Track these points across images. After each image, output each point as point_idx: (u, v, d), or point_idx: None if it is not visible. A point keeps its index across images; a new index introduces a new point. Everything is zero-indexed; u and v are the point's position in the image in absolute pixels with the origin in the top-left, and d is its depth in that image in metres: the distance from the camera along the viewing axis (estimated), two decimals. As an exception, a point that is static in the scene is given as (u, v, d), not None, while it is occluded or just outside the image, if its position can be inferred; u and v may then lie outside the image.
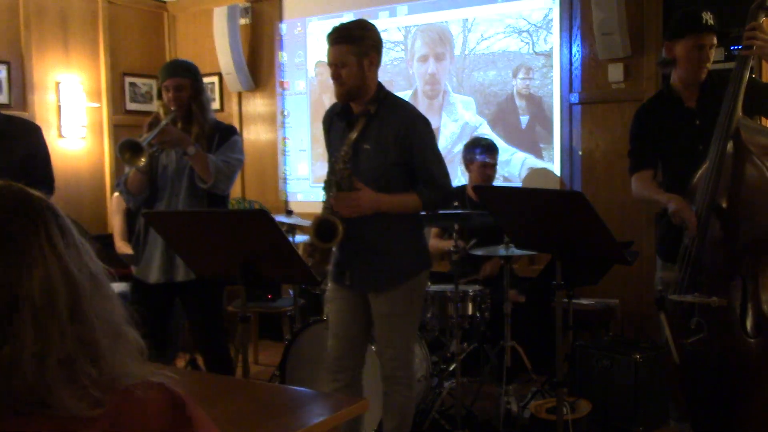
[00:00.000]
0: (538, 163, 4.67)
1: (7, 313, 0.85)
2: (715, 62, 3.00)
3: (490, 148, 4.12)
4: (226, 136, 3.29)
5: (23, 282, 0.86)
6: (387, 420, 2.85)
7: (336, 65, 2.67)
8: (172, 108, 3.20)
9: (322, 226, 2.72)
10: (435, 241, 4.25)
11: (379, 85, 2.78)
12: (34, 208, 0.91)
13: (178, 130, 3.17)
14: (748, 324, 2.55)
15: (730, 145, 2.58)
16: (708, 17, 2.81)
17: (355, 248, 2.79)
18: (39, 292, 0.86)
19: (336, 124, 2.86)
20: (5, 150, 3.25)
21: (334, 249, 2.86)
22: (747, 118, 2.63)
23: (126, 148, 2.98)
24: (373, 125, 2.72)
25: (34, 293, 0.86)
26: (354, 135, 2.71)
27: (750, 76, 2.68)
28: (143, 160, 2.99)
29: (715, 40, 2.85)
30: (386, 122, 2.71)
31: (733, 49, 2.71)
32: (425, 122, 2.79)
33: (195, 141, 3.18)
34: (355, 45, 2.66)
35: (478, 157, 4.10)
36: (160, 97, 3.28)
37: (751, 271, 2.55)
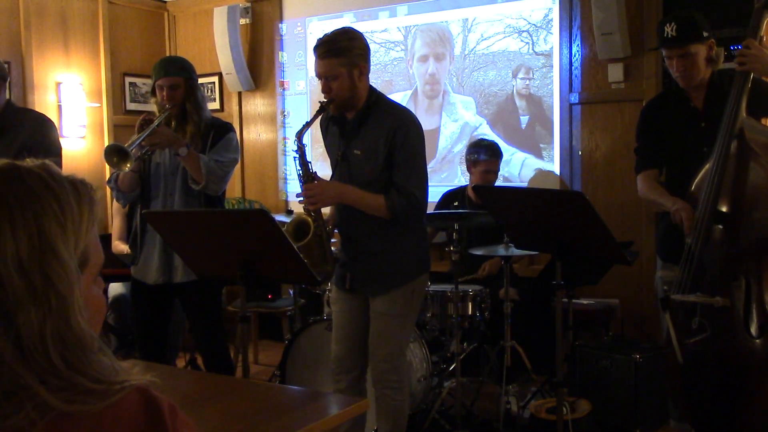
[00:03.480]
0: (538, 163, 4.67)
1: None
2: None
3: (495, 154, 4.12)
4: (221, 133, 3.27)
5: None
6: (380, 424, 2.85)
7: (326, 78, 2.66)
8: (167, 107, 3.19)
9: (299, 226, 2.75)
10: None
11: (371, 90, 2.76)
12: None
13: (170, 131, 3.15)
14: (752, 324, 2.55)
15: (733, 146, 2.58)
16: (670, 29, 2.78)
17: (355, 251, 2.80)
18: None
19: (331, 128, 2.86)
20: (7, 143, 3.24)
21: (334, 249, 2.87)
22: (751, 119, 2.63)
23: (113, 153, 2.97)
24: (363, 130, 2.73)
25: None
26: (342, 142, 2.76)
27: (756, 78, 2.68)
28: (129, 165, 2.98)
29: (693, 49, 2.80)
30: (376, 127, 2.70)
31: (733, 48, 2.70)
32: (416, 128, 2.74)
33: (190, 140, 3.17)
34: (344, 57, 2.64)
35: (481, 158, 4.09)
36: (154, 94, 3.26)
37: (754, 272, 2.55)
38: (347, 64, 2.64)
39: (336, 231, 2.93)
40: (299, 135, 2.77)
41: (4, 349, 0.81)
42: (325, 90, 2.68)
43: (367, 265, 2.77)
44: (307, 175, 2.73)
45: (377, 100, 2.76)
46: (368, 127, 2.72)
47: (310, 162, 2.78)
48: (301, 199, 2.74)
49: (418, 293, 2.83)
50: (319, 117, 2.80)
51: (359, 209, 2.71)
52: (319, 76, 2.70)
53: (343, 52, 2.64)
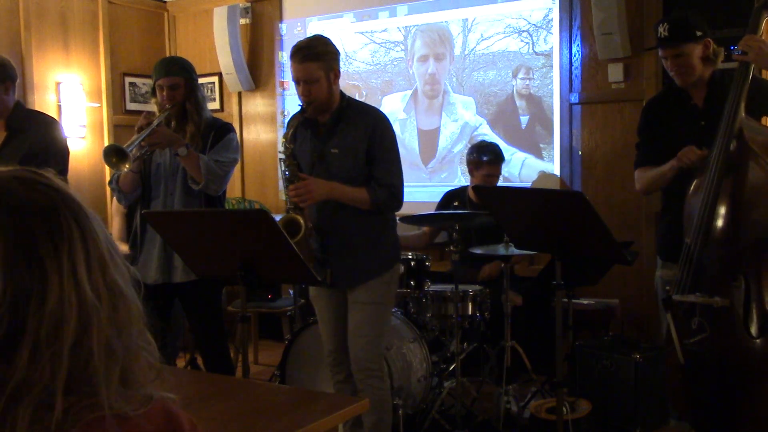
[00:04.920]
0: (538, 163, 4.67)
1: (12, 335, 0.80)
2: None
3: (498, 158, 4.11)
4: (221, 133, 3.27)
5: (34, 310, 0.81)
6: (366, 416, 2.87)
7: (306, 82, 2.79)
8: (167, 106, 3.19)
9: (288, 226, 2.80)
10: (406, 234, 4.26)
11: (341, 94, 2.91)
12: (60, 227, 0.85)
13: (169, 131, 3.16)
14: (751, 324, 2.54)
15: (732, 145, 2.58)
16: (662, 30, 2.83)
17: (335, 246, 2.89)
18: (47, 322, 0.81)
19: (302, 133, 2.95)
20: (15, 146, 3.24)
21: (313, 248, 2.90)
22: (750, 119, 2.63)
23: (112, 153, 2.97)
24: (339, 130, 2.86)
25: (41, 324, 0.81)
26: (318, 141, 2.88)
27: (756, 76, 2.68)
28: (128, 165, 2.98)
29: (685, 49, 2.81)
30: (353, 126, 2.85)
31: (732, 48, 2.70)
32: (389, 124, 2.92)
33: (190, 140, 3.17)
34: (322, 61, 2.79)
35: (484, 159, 4.09)
36: (154, 94, 3.27)
37: (754, 271, 2.55)
38: (324, 68, 2.80)
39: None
40: (287, 136, 2.89)
41: (109, 328, 0.86)
42: (305, 94, 2.81)
43: (348, 259, 2.87)
44: (295, 175, 2.83)
45: (349, 101, 2.93)
46: (344, 126, 2.86)
47: (296, 163, 2.89)
48: (291, 198, 2.82)
49: (394, 282, 2.96)
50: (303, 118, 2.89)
51: (341, 204, 2.83)
52: (297, 81, 2.83)
53: (320, 57, 2.79)
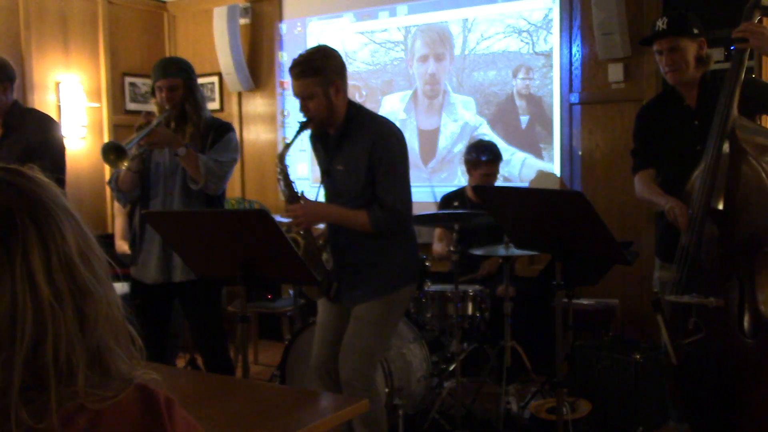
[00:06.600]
0: (538, 163, 4.67)
1: None
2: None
3: (495, 157, 4.10)
4: (220, 133, 3.27)
5: None
6: (358, 428, 2.79)
7: (304, 98, 2.69)
8: (166, 107, 3.19)
9: None
10: (436, 246, 4.27)
11: (350, 104, 2.78)
12: (15, 228, 0.84)
13: (168, 131, 3.15)
14: (746, 324, 2.55)
15: (726, 145, 2.58)
16: (661, 23, 2.86)
17: (343, 263, 2.82)
18: (0, 325, 0.81)
19: (316, 144, 2.91)
20: (11, 143, 3.24)
21: (324, 255, 2.87)
22: (743, 118, 2.64)
23: (110, 151, 2.96)
24: (344, 146, 2.76)
25: None
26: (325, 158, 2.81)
27: (749, 75, 2.68)
28: (126, 162, 2.98)
29: (681, 43, 2.83)
30: (356, 141, 2.73)
31: (732, 49, 2.70)
32: (396, 138, 2.76)
33: (189, 140, 3.17)
34: (319, 76, 2.66)
35: (482, 158, 4.08)
36: (153, 95, 3.27)
37: (747, 272, 2.55)
38: (322, 83, 2.67)
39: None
40: (281, 157, 2.81)
41: (72, 327, 0.85)
42: (304, 110, 2.71)
43: (354, 276, 2.79)
44: (293, 195, 2.77)
45: (356, 114, 2.78)
46: (349, 142, 2.75)
47: (293, 182, 2.83)
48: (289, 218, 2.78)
49: (399, 304, 2.83)
50: (299, 136, 2.81)
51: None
52: (296, 96, 2.74)
53: (317, 72, 2.66)
